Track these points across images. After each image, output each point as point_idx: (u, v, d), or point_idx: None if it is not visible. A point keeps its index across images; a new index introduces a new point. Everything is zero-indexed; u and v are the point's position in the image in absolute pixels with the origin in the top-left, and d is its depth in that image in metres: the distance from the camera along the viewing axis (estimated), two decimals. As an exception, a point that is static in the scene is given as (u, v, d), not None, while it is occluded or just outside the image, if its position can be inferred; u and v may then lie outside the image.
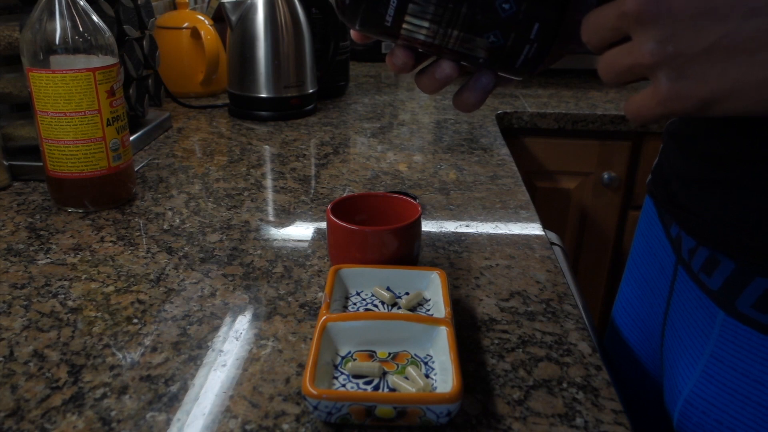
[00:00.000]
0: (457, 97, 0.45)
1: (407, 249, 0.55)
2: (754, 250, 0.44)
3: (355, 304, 0.51)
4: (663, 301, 0.58)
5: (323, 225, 0.70)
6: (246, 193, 0.78)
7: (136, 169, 0.85)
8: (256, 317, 0.52)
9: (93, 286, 0.57)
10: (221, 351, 0.48)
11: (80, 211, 0.71)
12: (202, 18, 1.25)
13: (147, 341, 0.49)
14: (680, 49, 0.31)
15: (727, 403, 0.47)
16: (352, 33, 0.45)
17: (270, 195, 0.78)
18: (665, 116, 0.33)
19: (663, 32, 0.31)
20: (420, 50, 0.43)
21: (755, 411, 0.46)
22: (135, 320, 0.52)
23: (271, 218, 0.71)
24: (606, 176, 1.30)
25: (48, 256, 0.62)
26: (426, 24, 0.40)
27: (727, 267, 0.47)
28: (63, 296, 0.55)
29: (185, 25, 1.24)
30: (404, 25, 0.41)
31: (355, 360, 0.44)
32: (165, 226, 0.69)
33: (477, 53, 0.41)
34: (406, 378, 0.42)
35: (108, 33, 0.69)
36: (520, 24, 0.39)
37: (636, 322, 0.64)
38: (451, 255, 0.63)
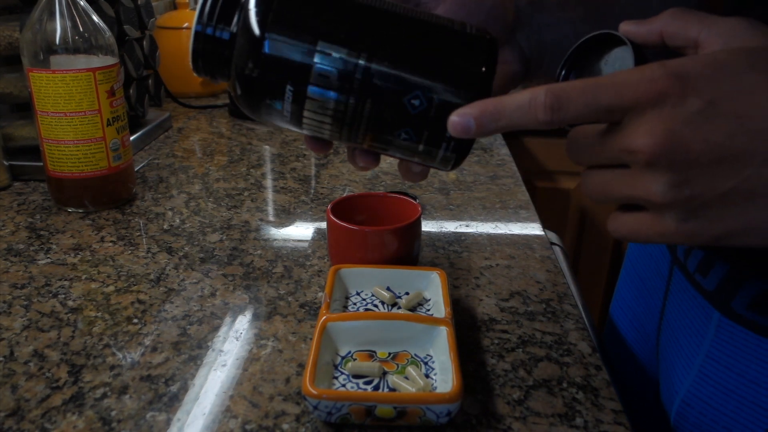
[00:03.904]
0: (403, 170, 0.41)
1: (407, 249, 0.55)
2: (747, 252, 0.45)
3: (355, 304, 0.51)
4: (659, 301, 0.58)
5: (323, 225, 0.70)
6: (246, 193, 0.78)
7: (136, 169, 0.85)
8: (256, 317, 0.52)
9: (93, 286, 0.57)
10: (221, 351, 0.48)
11: (80, 211, 0.71)
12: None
13: (147, 341, 0.49)
14: (695, 194, 0.29)
15: (723, 403, 0.47)
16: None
17: (270, 195, 0.78)
18: (663, 243, 0.32)
19: (677, 177, 0.29)
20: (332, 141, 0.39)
21: (751, 411, 0.46)
22: (135, 320, 0.52)
23: (271, 218, 0.71)
24: (606, 176, 1.30)
25: (48, 256, 0.62)
26: (328, 121, 0.35)
27: (721, 268, 0.47)
28: (63, 296, 0.55)
29: (185, 25, 1.24)
30: (305, 121, 0.36)
31: (355, 360, 0.44)
32: (165, 226, 0.69)
33: (391, 151, 0.37)
34: (406, 378, 0.42)
35: (108, 33, 0.69)
36: (433, 121, 0.34)
37: (633, 321, 0.64)
38: (451, 255, 0.63)
